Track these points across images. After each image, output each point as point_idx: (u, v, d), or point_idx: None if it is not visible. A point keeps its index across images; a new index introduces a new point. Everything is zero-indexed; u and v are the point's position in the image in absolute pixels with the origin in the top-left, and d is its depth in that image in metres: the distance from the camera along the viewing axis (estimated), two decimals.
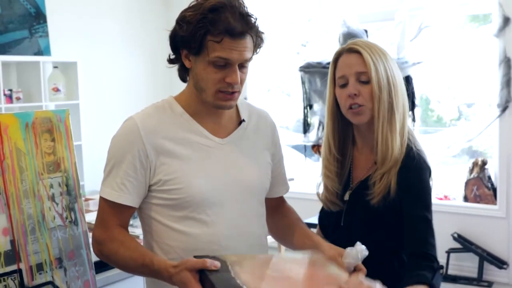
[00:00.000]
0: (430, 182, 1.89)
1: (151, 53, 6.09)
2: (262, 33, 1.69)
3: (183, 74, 1.75)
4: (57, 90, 5.25)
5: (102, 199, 1.71)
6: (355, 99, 1.85)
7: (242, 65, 1.64)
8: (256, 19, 1.66)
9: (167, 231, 1.69)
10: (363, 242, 1.66)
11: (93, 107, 5.70)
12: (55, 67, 5.31)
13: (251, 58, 1.66)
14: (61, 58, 5.41)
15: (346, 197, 1.96)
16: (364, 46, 1.86)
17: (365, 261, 1.66)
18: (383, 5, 5.43)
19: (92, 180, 5.02)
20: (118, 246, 1.66)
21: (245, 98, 5.91)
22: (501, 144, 4.76)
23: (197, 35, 1.59)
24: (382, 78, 1.84)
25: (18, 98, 5.02)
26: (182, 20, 1.64)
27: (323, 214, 2.08)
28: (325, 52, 5.48)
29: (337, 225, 1.97)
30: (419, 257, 1.76)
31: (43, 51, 5.32)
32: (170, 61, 1.75)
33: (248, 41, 1.62)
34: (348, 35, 4.97)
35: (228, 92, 1.65)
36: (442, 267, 1.87)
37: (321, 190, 2.03)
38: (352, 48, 1.88)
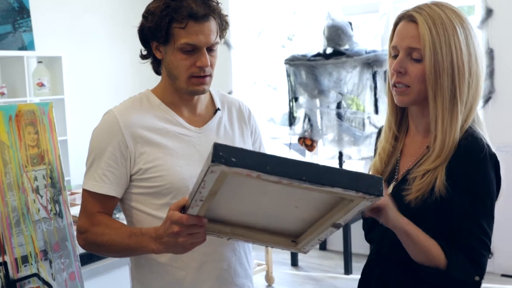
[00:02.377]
0: (492, 174, 1.52)
1: (136, 48, 6.02)
2: (226, 15, 1.74)
3: (156, 67, 1.80)
4: (41, 85, 5.22)
5: (85, 192, 1.73)
6: (400, 77, 1.57)
7: (210, 49, 1.69)
8: (217, 2, 1.71)
9: (149, 219, 1.71)
10: (398, 247, 1.51)
11: (78, 102, 5.68)
12: (40, 62, 5.27)
13: (217, 41, 1.70)
14: (45, 53, 5.38)
15: (390, 190, 1.65)
16: (427, 17, 1.52)
17: (397, 270, 1.59)
18: None
19: (78, 175, 5.00)
20: (104, 228, 1.67)
21: (231, 92, 5.92)
22: (488, 136, 4.79)
23: (162, 24, 1.64)
24: (443, 59, 1.50)
25: (2, 93, 4.99)
26: (147, 12, 1.69)
27: None
28: (310, 44, 5.50)
29: (375, 221, 1.60)
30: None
31: (27, 46, 5.29)
32: (143, 56, 1.80)
33: (212, 23, 1.67)
34: (333, 28, 4.99)
35: (200, 76, 1.69)
36: (479, 281, 1.53)
37: None
38: (411, 16, 1.55)
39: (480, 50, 1.58)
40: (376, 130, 4.78)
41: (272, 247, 1.59)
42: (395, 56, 1.59)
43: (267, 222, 1.52)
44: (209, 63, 1.68)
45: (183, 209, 1.45)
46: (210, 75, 1.72)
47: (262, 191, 1.31)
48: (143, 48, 1.78)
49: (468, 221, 1.51)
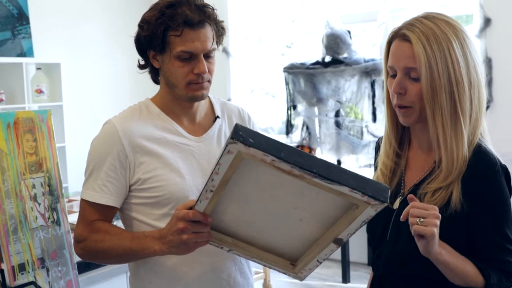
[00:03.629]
0: (505, 186, 1.52)
1: (135, 55, 6.05)
2: (222, 21, 1.74)
3: (155, 76, 1.79)
4: (40, 91, 5.22)
5: (83, 202, 1.73)
6: (401, 99, 1.54)
7: (208, 55, 1.68)
8: (213, 8, 1.70)
9: (149, 230, 1.69)
10: (410, 262, 1.51)
11: (77, 109, 5.67)
12: (38, 68, 5.28)
13: (214, 48, 1.70)
14: (44, 59, 5.39)
15: (396, 205, 1.61)
16: (420, 34, 1.49)
17: (409, 284, 1.57)
18: (365, 6, 5.47)
19: (76, 182, 4.99)
20: (104, 234, 1.67)
21: (229, 99, 5.92)
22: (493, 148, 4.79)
23: (158, 32, 1.64)
24: (439, 76, 1.47)
25: (0, 100, 4.99)
26: (142, 21, 1.69)
27: (369, 222, 1.51)
28: (308, 53, 5.51)
29: (383, 237, 1.62)
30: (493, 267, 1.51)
31: (26, 52, 5.29)
32: (141, 66, 1.79)
33: (208, 30, 1.67)
34: (332, 36, 5.00)
35: (198, 82, 1.68)
36: None
37: None
38: (404, 35, 1.52)
39: (478, 56, 1.55)
40: (374, 139, 4.80)
41: (269, 267, 1.59)
42: (393, 75, 1.56)
43: (269, 237, 1.52)
44: (207, 70, 1.67)
45: (190, 209, 1.46)
46: (209, 81, 1.72)
47: (271, 191, 1.32)
48: (141, 58, 1.77)
49: (494, 235, 1.50)
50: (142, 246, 1.59)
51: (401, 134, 1.68)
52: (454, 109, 1.49)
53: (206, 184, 1.34)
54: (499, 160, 1.52)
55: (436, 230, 1.39)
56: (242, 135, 1.17)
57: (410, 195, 1.47)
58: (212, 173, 1.30)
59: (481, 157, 1.52)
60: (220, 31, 1.72)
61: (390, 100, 1.61)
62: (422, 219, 1.38)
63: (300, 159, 1.19)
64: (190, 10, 1.62)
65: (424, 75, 1.48)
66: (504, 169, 1.53)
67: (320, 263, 1.51)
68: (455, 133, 1.50)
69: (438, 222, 1.39)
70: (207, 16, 1.66)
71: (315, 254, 1.48)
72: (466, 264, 1.48)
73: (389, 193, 1.25)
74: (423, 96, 1.50)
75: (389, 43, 1.59)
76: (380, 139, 1.77)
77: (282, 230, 1.47)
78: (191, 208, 1.46)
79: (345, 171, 1.23)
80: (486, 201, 1.50)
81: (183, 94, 1.71)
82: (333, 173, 1.21)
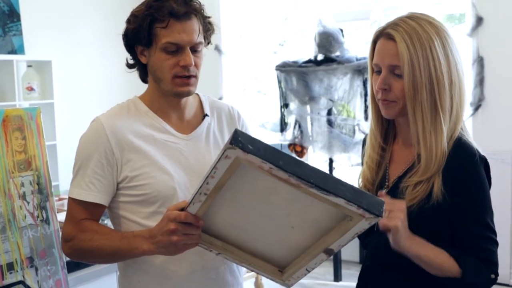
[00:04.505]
0: (485, 176, 1.59)
1: (126, 53, 6.05)
2: (209, 17, 1.74)
3: (143, 75, 1.79)
4: (31, 89, 5.19)
5: (71, 200, 1.71)
6: (385, 94, 1.61)
7: (195, 49, 1.68)
8: (200, 3, 1.70)
9: (137, 228, 1.68)
10: (396, 253, 1.51)
11: (68, 107, 5.65)
12: (29, 66, 5.25)
13: (201, 41, 1.69)
14: (35, 57, 5.36)
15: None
16: (404, 33, 1.56)
17: (394, 274, 1.62)
18: (358, 4, 5.47)
19: (67, 180, 4.95)
20: (92, 234, 1.65)
21: (221, 97, 5.91)
22: (474, 142, 4.80)
23: (144, 25, 1.64)
24: (421, 74, 1.54)
25: None
26: (130, 16, 1.70)
27: None
28: (301, 51, 5.50)
29: (371, 228, 1.56)
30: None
31: (17, 49, 5.26)
32: (130, 66, 1.79)
33: (195, 22, 1.66)
34: (324, 34, 4.99)
35: (185, 77, 1.67)
36: (494, 278, 1.60)
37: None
38: (389, 34, 1.59)
39: (459, 55, 1.61)
40: None
41: (257, 273, 1.59)
42: (378, 72, 1.62)
43: (259, 243, 1.51)
44: (193, 63, 1.66)
45: (181, 210, 1.45)
46: (196, 76, 1.70)
47: (265, 196, 1.31)
48: (129, 55, 1.76)
49: (474, 224, 1.56)
50: (131, 245, 1.58)
51: (386, 129, 1.74)
52: (434, 106, 1.56)
53: (200, 187, 1.33)
54: (478, 151, 1.58)
55: (399, 224, 1.45)
56: (241, 141, 1.16)
57: (380, 192, 1.54)
58: (207, 176, 1.29)
59: (461, 149, 1.58)
60: (207, 26, 1.72)
61: (375, 96, 1.67)
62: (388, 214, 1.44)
63: (298, 169, 1.19)
64: (176, 3, 1.63)
65: (406, 73, 1.54)
66: (483, 160, 1.58)
67: (309, 271, 1.52)
68: (435, 129, 1.57)
69: (402, 215, 1.46)
70: (193, 9, 1.66)
71: (304, 262, 1.49)
72: (440, 254, 1.53)
73: (384, 207, 1.26)
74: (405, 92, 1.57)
75: (374, 42, 1.65)
76: (366, 136, 1.83)
77: (273, 236, 1.47)
78: (182, 209, 1.45)
79: (342, 182, 1.23)
80: (467, 190, 1.55)
81: (169, 89, 1.69)
82: (330, 184, 1.22)
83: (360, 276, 1.79)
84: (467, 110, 4.83)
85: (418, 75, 1.54)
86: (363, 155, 1.84)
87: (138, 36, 1.66)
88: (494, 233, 1.58)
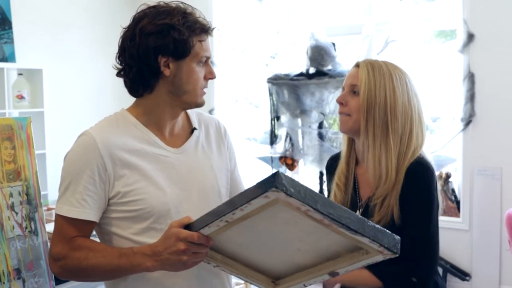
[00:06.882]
0: (435, 192, 1.81)
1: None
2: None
3: (142, 87, 1.70)
4: (21, 97, 5.16)
5: (60, 218, 1.65)
6: (342, 108, 1.88)
7: None
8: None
9: (129, 244, 1.65)
10: (376, 268, 1.67)
11: (58, 115, 5.62)
12: (20, 74, 5.22)
13: None
14: (26, 65, 5.33)
15: None
16: (367, 63, 1.85)
17: None
18: (350, 19, 5.49)
19: (56, 190, 4.93)
20: (87, 252, 1.60)
21: (212, 109, 5.90)
22: (465, 158, 4.83)
23: (183, 37, 1.62)
24: (376, 94, 1.79)
25: None
26: (159, 26, 1.62)
27: None
28: (293, 64, 5.51)
29: None
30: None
31: (8, 57, 5.23)
32: (129, 75, 1.70)
33: None
34: (316, 48, 5.00)
35: (206, 88, 1.74)
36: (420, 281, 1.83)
37: None
38: (356, 63, 1.90)
39: (419, 99, 1.86)
40: None
41: (250, 283, 1.59)
42: None
43: (261, 259, 1.52)
44: None
45: (187, 227, 1.44)
46: None
47: (283, 226, 1.33)
48: (139, 67, 1.66)
49: (414, 234, 1.73)
50: (132, 263, 1.55)
51: (350, 151, 1.95)
52: (385, 125, 1.78)
53: (224, 215, 1.31)
54: (428, 170, 1.78)
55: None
56: (285, 184, 1.17)
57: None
58: (235, 208, 1.27)
59: (414, 173, 1.77)
60: None
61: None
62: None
63: (332, 210, 1.23)
64: (201, 18, 1.69)
65: (362, 90, 1.80)
66: (433, 172, 1.79)
67: (306, 287, 1.54)
68: (385, 144, 1.77)
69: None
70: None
71: (304, 279, 1.50)
72: (360, 273, 1.74)
73: (400, 245, 1.33)
74: (359, 108, 1.80)
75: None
76: (332, 156, 2.07)
77: (277, 254, 1.48)
78: (187, 225, 1.44)
79: (366, 222, 1.28)
80: (415, 205, 1.76)
81: (194, 101, 1.71)
82: (358, 225, 1.26)
83: None
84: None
85: (373, 94, 1.79)
86: (328, 180, 2.05)
87: (169, 47, 1.62)
88: (430, 244, 1.76)
